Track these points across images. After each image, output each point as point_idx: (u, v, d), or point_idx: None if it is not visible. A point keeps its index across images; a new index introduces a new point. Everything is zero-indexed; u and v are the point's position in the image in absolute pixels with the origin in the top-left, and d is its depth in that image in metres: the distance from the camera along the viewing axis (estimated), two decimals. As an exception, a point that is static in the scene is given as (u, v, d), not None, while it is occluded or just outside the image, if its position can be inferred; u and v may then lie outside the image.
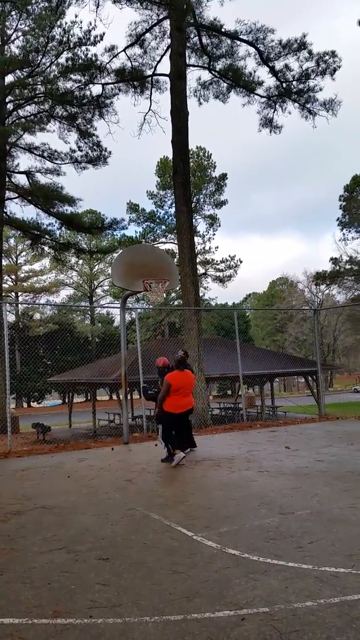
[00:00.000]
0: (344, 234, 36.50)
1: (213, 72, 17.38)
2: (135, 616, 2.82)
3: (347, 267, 35.69)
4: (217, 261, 39.72)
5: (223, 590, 3.08)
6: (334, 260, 36.30)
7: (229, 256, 39.57)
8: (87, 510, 5.10)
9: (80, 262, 48.39)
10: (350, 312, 42.78)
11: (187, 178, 14.91)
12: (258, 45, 16.24)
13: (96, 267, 52.22)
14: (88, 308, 53.54)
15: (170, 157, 15.59)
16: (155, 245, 31.04)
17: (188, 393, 7.45)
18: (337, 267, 36.03)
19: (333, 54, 15.94)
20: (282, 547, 3.74)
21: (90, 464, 7.84)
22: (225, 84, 17.63)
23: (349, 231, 36.07)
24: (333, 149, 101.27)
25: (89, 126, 20.47)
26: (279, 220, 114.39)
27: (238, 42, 16.54)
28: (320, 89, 16.56)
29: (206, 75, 17.87)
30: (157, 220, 38.75)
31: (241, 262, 39.64)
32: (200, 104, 18.36)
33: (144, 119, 18.66)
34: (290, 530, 4.11)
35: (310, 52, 16.04)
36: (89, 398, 37.09)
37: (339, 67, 16.05)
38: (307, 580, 3.14)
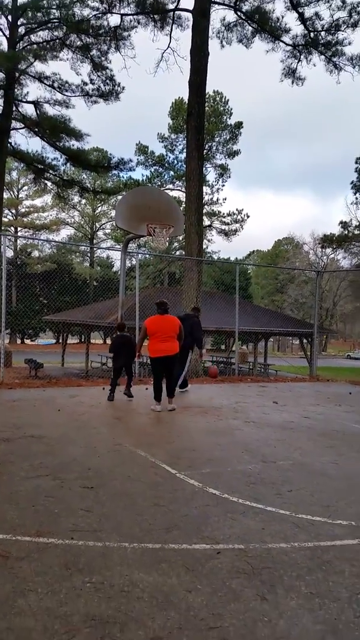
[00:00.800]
0: (357, 198, 35.73)
1: (239, 13, 16.42)
2: (114, 541, 2.93)
3: (356, 232, 35.17)
4: (223, 214, 39.09)
5: (201, 525, 3.19)
6: (344, 224, 35.71)
7: (237, 210, 38.93)
8: (75, 442, 5.22)
9: (83, 201, 47.46)
10: (353, 278, 42.64)
11: (202, 122, 14.41)
12: (290, -14, 15.31)
13: (99, 209, 51.34)
14: (88, 249, 53.05)
15: (186, 98, 14.99)
16: (165, 191, 30.40)
17: (167, 338, 7.19)
18: (346, 231, 35.49)
19: (368, 4, 15.04)
20: (262, 492, 3.86)
21: (81, 400, 7.97)
22: (250, 28, 16.70)
23: (363, 195, 35.25)
24: (356, 108, 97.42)
25: (103, 58, 19.54)
26: (293, 178, 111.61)
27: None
28: (350, 43, 15.79)
29: (231, 16, 16.90)
30: (166, 164, 37.75)
31: (248, 217, 39.05)
32: (223, 46, 17.46)
33: (162, 56, 17.80)
34: (271, 477, 4.23)
35: (343, 1, 15.12)
36: (82, 340, 37.38)
37: (373, 21, 15.19)
38: (283, 525, 3.25)
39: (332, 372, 20.66)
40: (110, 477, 4.11)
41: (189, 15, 15.32)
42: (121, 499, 3.60)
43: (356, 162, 35.02)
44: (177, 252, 41.06)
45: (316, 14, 15.64)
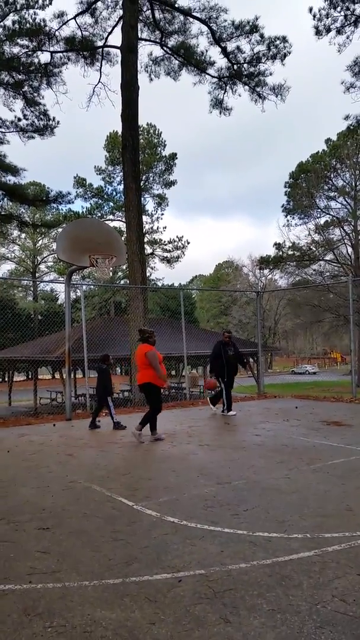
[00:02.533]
0: (287, 220, 37.25)
1: (165, 49, 17.12)
2: (74, 581, 2.87)
3: (290, 252, 36.60)
4: (164, 241, 39.65)
5: (161, 555, 3.18)
6: (278, 246, 37.12)
7: (177, 237, 39.59)
8: (27, 482, 5.06)
9: (23, 235, 46.79)
10: (291, 297, 44.08)
11: (137, 154, 14.74)
12: (211, 24, 16.15)
13: (40, 242, 50.65)
14: (31, 283, 52.00)
15: (120, 131, 15.31)
16: (105, 222, 30.54)
17: (138, 369, 7.23)
18: (280, 253, 36.88)
19: (284, 39, 16.10)
20: (219, 514, 3.90)
21: (30, 439, 7.74)
22: (177, 62, 17.43)
23: (293, 218, 36.86)
24: (287, 133, 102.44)
25: (35, 94, 19.62)
26: (231, 203, 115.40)
27: (191, 20, 16.37)
28: (271, 74, 16.77)
29: (158, 51, 17.61)
30: (105, 196, 38.06)
31: (188, 243, 39.78)
32: (152, 79, 18.09)
33: (94, 91, 18.22)
34: (227, 498, 4.29)
35: (262, 36, 16.13)
36: (30, 377, 36.31)
37: (289, 53, 16.25)
38: (241, 545, 3.30)
39: (278, 388, 21.16)
40: (65, 515, 4.02)
41: (118, 51, 15.78)
42: (79, 537, 3.54)
43: (285, 186, 36.76)
44: (122, 281, 41.10)
45: (237, 47, 16.54)
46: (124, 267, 30.55)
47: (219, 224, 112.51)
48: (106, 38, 17.04)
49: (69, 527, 3.74)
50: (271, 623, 2.37)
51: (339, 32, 14.86)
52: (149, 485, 4.81)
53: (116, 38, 16.66)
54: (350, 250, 35.08)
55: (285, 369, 59.35)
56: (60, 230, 22.00)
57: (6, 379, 31.74)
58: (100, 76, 17.76)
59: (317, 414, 9.39)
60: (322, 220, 36.19)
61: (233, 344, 9.70)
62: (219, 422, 8.70)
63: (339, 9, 14.49)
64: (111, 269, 8.94)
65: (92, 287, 41.89)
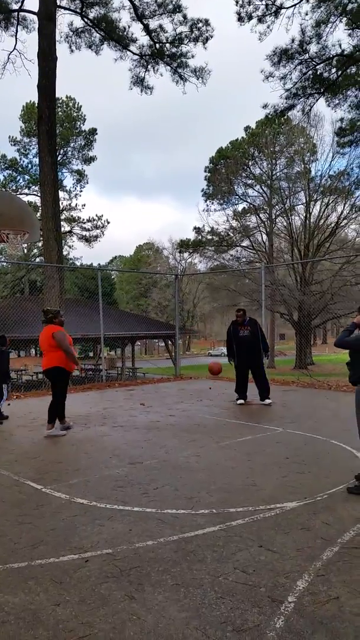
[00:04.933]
0: (207, 205, 37.78)
1: (85, 20, 16.42)
2: (-24, 568, 2.77)
3: (209, 237, 37.26)
4: (84, 219, 38.69)
5: (69, 537, 3.16)
6: (197, 230, 37.65)
7: (97, 215, 38.78)
8: None
9: None
10: (209, 281, 45.02)
11: (53, 127, 14.14)
12: None
13: None
14: None
15: (37, 102, 14.57)
16: (17, 195, 29.10)
17: (44, 353, 6.40)
18: (200, 237, 37.44)
19: (207, 22, 16.06)
20: (129, 494, 3.94)
21: None
22: (98, 35, 16.80)
23: (212, 203, 37.44)
24: (212, 116, 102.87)
25: None
26: (157, 184, 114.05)
27: (112, -9, 15.80)
28: (193, 56, 16.65)
29: (78, 22, 16.83)
30: (20, 169, 36.25)
31: (108, 222, 39.15)
32: (72, 51, 17.29)
33: (8, 58, 17.08)
34: (137, 478, 4.33)
35: (184, 17, 15.96)
36: None
37: (212, 37, 16.25)
38: (149, 523, 3.36)
39: (194, 370, 21.61)
40: (-31, 501, 3.86)
41: (35, 17, 14.92)
42: (-18, 523, 3.41)
43: (205, 171, 37.19)
44: (37, 259, 39.61)
45: (160, 26, 16.26)
46: (40, 244, 29.43)
47: (144, 205, 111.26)
48: (22, 1, 16.02)
49: (-28, 514, 3.59)
50: (175, 597, 2.44)
51: (260, 20, 15.09)
52: (59, 468, 4.73)
53: (33, 3, 15.78)
54: (265, 237, 36.39)
55: (202, 351, 60.75)
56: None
57: None
58: (16, 42, 16.73)
59: (229, 394, 9.72)
60: (239, 207, 37.15)
61: (250, 324, 8.50)
62: (135, 404, 8.74)
63: (261, -3, 14.72)
64: (24, 245, 8.55)
65: (3, 264, 40.01)
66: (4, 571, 2.72)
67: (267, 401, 8.24)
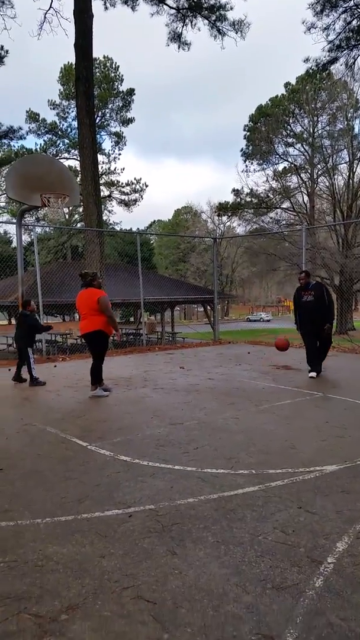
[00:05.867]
0: (246, 166, 36.71)
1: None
2: (27, 519, 2.92)
3: (248, 199, 36.37)
4: (122, 183, 38.49)
5: (113, 492, 3.28)
6: (236, 192, 36.77)
7: (135, 179, 38.47)
8: (-21, 427, 5.04)
9: (-27, 173, 44.14)
10: (248, 245, 44.26)
11: (91, 87, 13.92)
12: None
13: (-10, 181, 48.01)
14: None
15: (74, 62, 14.34)
16: (57, 159, 29.16)
17: (84, 316, 6.42)
18: (238, 199, 36.59)
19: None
20: (170, 453, 4.03)
21: (-17, 384, 7.65)
22: (134, -11, 16.22)
23: (252, 163, 36.32)
24: (253, 73, 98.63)
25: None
26: (197, 145, 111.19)
27: None
28: (232, 8, 15.89)
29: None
30: (60, 132, 36.15)
31: (147, 186, 38.80)
32: (107, 8, 16.83)
33: (45, 17, 16.79)
34: (178, 438, 4.42)
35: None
36: (-18, 321, 35.38)
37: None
38: (190, 481, 3.44)
39: (233, 335, 21.63)
40: (19, 457, 4.05)
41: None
42: (32, 477, 3.58)
43: (244, 130, 35.94)
44: (79, 225, 39.92)
45: (199, -24, 15.55)
46: (80, 209, 29.58)
47: (184, 167, 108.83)
48: None
49: (22, 468, 3.77)
50: (215, 553, 2.51)
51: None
52: (103, 427, 4.88)
53: None
54: (306, 198, 35.23)
55: (240, 317, 60.49)
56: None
57: None
58: (52, 1, 16.39)
59: (268, 359, 9.70)
60: (280, 167, 35.95)
61: (315, 288, 7.62)
62: (174, 367, 8.84)
63: None
64: (64, 209, 8.61)
65: (46, 229, 40.54)
66: (52, 524, 2.86)
67: (312, 374, 7.58)
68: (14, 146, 34.03)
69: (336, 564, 2.40)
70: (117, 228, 43.78)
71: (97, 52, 33.90)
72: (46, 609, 2.08)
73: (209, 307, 25.26)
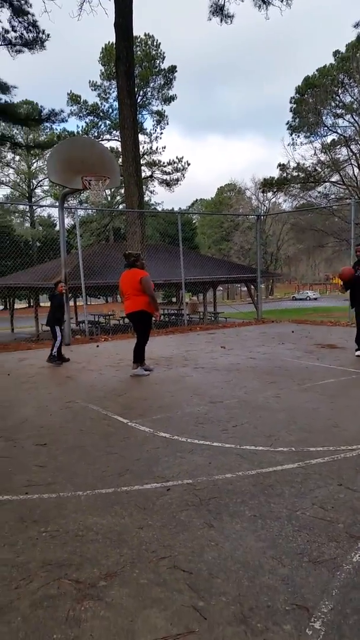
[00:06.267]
0: (293, 139, 35.62)
1: None
2: (69, 491, 3.02)
3: (295, 174, 35.39)
4: (164, 163, 38.27)
5: (152, 467, 3.34)
6: (282, 167, 35.83)
7: (177, 158, 38.16)
8: (26, 403, 5.23)
9: (17, 158, 45.13)
10: (294, 221, 43.19)
11: (132, 66, 13.83)
12: None
13: (35, 165, 48.95)
14: (27, 208, 50.80)
15: (114, 42, 14.25)
16: (97, 141, 29.28)
17: (128, 296, 6.48)
18: (285, 174, 35.66)
19: None
20: (209, 430, 4.05)
21: (31, 362, 7.91)
22: None
23: (298, 136, 35.21)
24: (301, 43, 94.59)
25: (23, 1, 18.12)
26: (244, 121, 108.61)
27: None
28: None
29: None
30: (101, 114, 36.25)
31: (189, 164, 38.41)
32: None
33: (84, -4, 16.74)
34: (217, 416, 4.43)
35: None
36: (31, 304, 36.51)
37: None
38: (228, 457, 3.45)
39: (277, 314, 21.31)
40: (62, 432, 4.18)
41: None
42: (74, 452, 3.69)
43: (290, 102, 34.80)
44: (120, 206, 40.13)
45: None
46: (122, 191, 29.70)
47: (230, 143, 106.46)
48: None
49: (65, 443, 3.89)
50: (252, 527, 2.51)
51: None
52: (143, 405, 4.96)
53: None
54: (357, 171, 33.93)
55: (286, 296, 59.48)
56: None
57: (7, 307, 31.94)
58: (91, -22, 16.26)
59: (312, 338, 9.52)
60: (328, 139, 34.67)
61: None
62: (215, 347, 8.83)
63: None
64: (106, 191, 8.66)
65: (88, 212, 41.00)
66: (93, 496, 2.95)
67: (359, 352, 7.27)
68: (56, 129, 34.48)
69: (376, 542, 2.35)
70: (159, 208, 43.72)
71: (138, 31, 33.48)
72: (85, 575, 2.16)
73: (252, 286, 24.96)
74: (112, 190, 35.51)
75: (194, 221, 57.43)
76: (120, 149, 20.89)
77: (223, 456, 3.46)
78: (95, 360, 7.89)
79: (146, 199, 37.96)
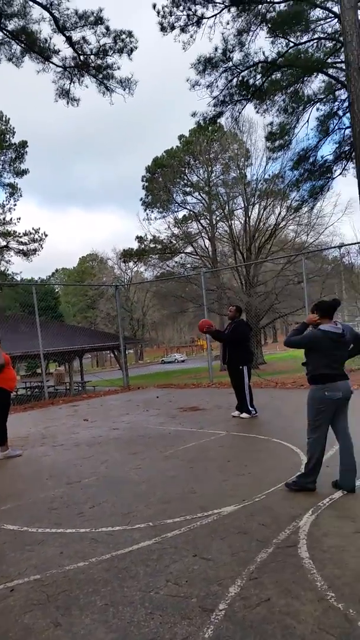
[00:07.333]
0: (147, 214, 37.81)
1: (4, 32, 16.03)
2: None
3: (152, 245, 37.27)
4: (20, 233, 37.72)
5: (-4, 567, 3.00)
6: (139, 239, 37.59)
7: (33, 229, 37.91)
8: None
9: None
10: (156, 289, 44.97)
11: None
12: (53, 11, 15.46)
13: None
14: None
15: None
16: None
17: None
18: (143, 246, 37.39)
19: (130, 33, 16.04)
20: (64, 515, 3.80)
21: None
22: (18, 47, 16.43)
23: (152, 211, 37.52)
24: (149, 126, 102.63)
25: None
26: (102, 194, 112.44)
27: (31, 3, 15.47)
28: (119, 67, 16.60)
29: (-3, 34, 16.41)
30: None
31: (46, 235, 38.27)
32: (-12, 63, 16.84)
33: None
34: (74, 498, 4.20)
35: (107, 29, 15.84)
36: None
37: (136, 48, 16.26)
38: (83, 543, 3.25)
39: (144, 379, 21.51)
40: None
41: None
42: None
43: (142, 180, 37.25)
44: (-25, 278, 38.23)
45: (83, 38, 16.07)
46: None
47: (90, 215, 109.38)
48: None
49: None
50: (103, 618, 2.36)
51: (182, 30, 15.29)
52: (-8, 495, 4.52)
53: None
54: (207, 243, 36.81)
55: (155, 359, 60.57)
56: None
57: None
58: None
59: (176, 402, 9.70)
60: (180, 215, 37.42)
61: (233, 324, 7.49)
62: (78, 420, 8.54)
63: (181, 8, 14.91)
64: None
65: None
66: None
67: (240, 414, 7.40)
68: None
69: (227, 610, 2.35)
70: (18, 278, 42.50)
71: (-11, 106, 33.69)
72: None
73: (116, 353, 25.04)
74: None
75: (56, 290, 56.76)
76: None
77: (77, 543, 3.25)
78: None
79: (2, 268, 36.79)
